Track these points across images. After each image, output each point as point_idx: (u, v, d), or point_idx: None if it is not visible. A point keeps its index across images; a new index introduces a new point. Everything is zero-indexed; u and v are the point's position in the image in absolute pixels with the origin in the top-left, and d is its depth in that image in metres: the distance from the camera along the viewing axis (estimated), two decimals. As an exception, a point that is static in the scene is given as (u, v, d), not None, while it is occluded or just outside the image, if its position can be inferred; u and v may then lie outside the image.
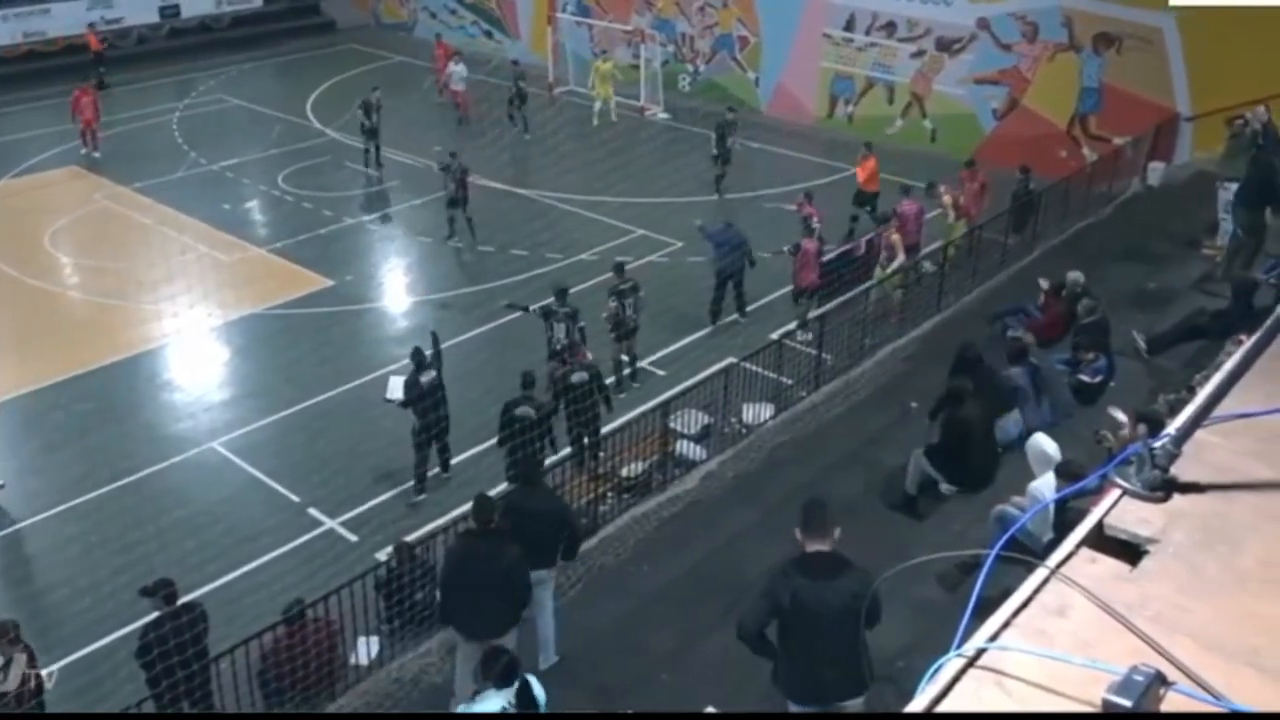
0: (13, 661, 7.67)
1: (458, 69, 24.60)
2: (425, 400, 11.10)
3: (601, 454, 11.12)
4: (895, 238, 14.93)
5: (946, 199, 16.00)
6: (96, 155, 21.82)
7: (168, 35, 29.87)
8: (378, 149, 21.41)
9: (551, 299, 12.92)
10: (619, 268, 13.96)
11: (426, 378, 11.11)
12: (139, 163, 21.33)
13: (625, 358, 13.64)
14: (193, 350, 15.02)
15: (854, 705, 6.09)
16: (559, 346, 12.32)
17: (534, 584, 8.31)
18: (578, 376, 11.46)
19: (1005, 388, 10.40)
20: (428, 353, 11.42)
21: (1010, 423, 10.31)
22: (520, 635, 8.13)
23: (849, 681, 5.94)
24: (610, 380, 12.69)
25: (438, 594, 8.33)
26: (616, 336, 13.41)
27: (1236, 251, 12.76)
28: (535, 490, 8.78)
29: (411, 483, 11.53)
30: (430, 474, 11.55)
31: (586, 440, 11.47)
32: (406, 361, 11.63)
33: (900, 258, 14.80)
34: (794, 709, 6.23)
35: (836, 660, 5.78)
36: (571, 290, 13.23)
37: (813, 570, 5.87)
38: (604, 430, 11.40)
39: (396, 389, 11.39)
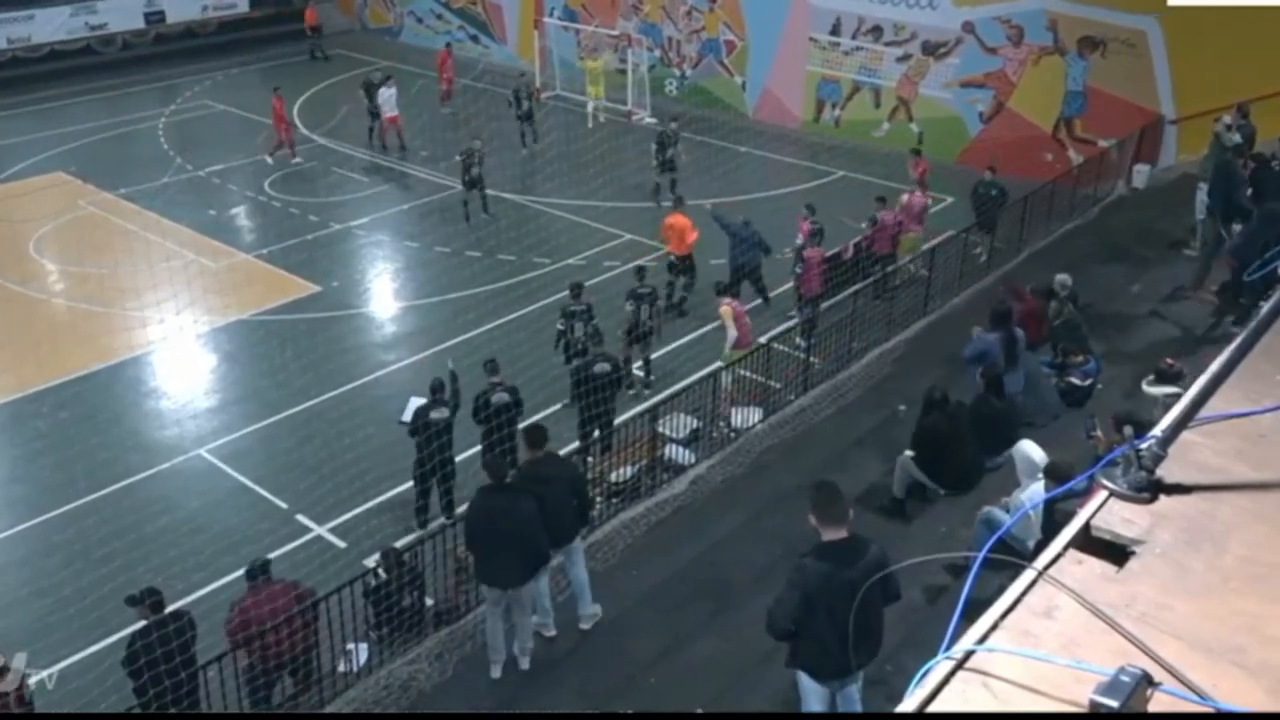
0: (13, 662, 7.64)
1: (389, 93, 22.47)
2: (429, 435, 10.58)
3: (609, 449, 11.15)
4: (726, 309, 12.68)
5: (886, 216, 15.80)
6: (299, 161, 21.78)
7: (153, 41, 29.79)
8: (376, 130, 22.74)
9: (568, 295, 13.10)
10: (640, 271, 13.93)
11: (437, 414, 10.65)
12: (124, 169, 21.22)
13: (639, 361, 13.59)
14: (179, 356, 14.94)
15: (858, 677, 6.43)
16: (579, 344, 12.35)
17: (567, 556, 8.91)
18: (600, 367, 11.45)
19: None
20: (448, 390, 10.90)
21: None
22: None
23: (868, 653, 6.23)
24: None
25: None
26: (629, 340, 13.33)
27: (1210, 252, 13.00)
28: (545, 457, 8.95)
29: (409, 485, 11.26)
30: (435, 522, 10.76)
31: (599, 433, 11.44)
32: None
33: (732, 334, 12.54)
34: (811, 686, 6.36)
35: (860, 636, 5.88)
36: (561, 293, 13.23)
37: (835, 558, 5.95)
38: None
39: (409, 412, 10.98)
